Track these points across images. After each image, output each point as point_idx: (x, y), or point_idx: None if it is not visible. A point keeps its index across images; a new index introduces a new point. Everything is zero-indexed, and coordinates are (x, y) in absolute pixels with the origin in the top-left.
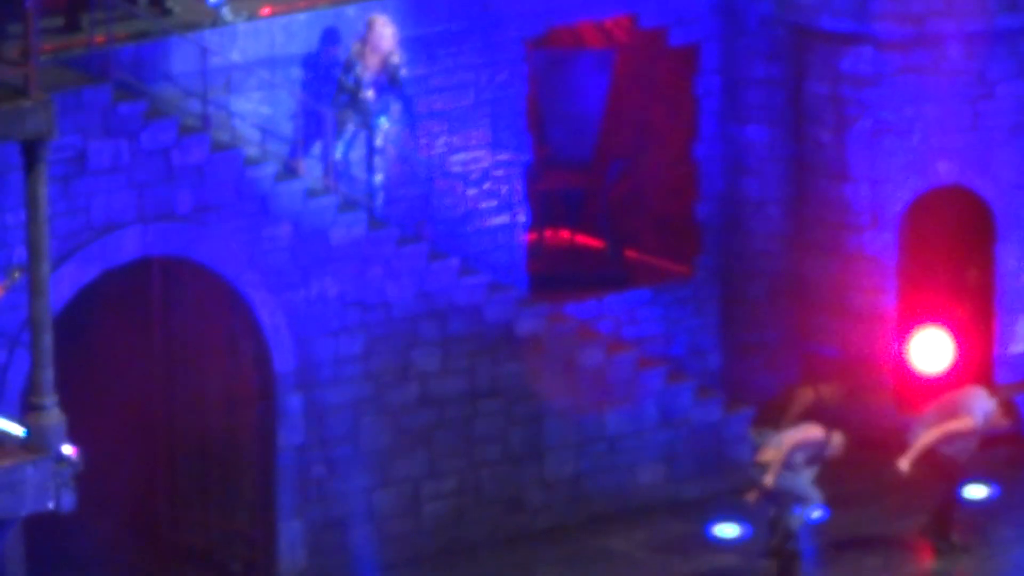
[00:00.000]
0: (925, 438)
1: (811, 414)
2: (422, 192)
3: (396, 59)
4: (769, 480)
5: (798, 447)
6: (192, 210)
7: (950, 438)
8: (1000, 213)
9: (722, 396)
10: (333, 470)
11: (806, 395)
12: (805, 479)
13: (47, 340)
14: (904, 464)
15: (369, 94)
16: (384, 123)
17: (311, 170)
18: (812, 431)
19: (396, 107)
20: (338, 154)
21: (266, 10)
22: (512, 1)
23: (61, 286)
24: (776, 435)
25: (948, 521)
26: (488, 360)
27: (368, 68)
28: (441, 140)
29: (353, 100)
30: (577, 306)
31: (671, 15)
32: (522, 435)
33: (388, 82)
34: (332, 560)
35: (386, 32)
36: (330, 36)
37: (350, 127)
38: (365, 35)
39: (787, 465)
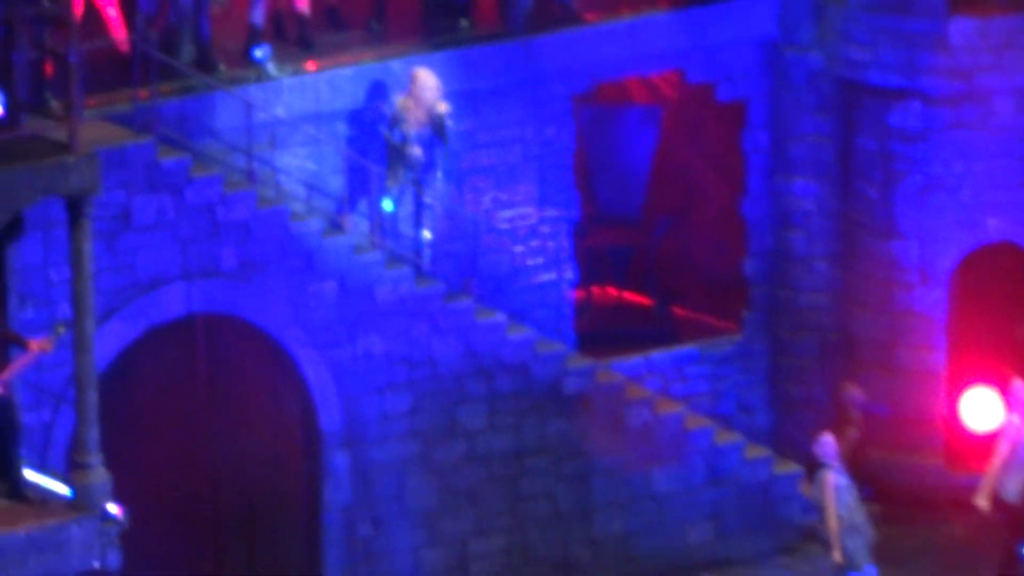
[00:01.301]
0: (993, 465)
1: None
2: (469, 248)
3: (442, 109)
4: (836, 556)
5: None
6: (237, 266)
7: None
8: None
9: (771, 454)
10: (380, 529)
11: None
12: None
13: (92, 397)
14: (981, 501)
15: (416, 150)
16: (432, 179)
17: (357, 226)
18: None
19: (443, 162)
20: (385, 210)
21: (311, 65)
22: (559, 57)
23: (106, 343)
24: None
25: None
26: (535, 418)
27: (414, 122)
28: (488, 196)
29: (400, 155)
30: (624, 363)
31: (719, 71)
32: (570, 493)
33: (434, 133)
34: None
35: (430, 84)
36: (376, 91)
37: (398, 183)
38: (409, 89)
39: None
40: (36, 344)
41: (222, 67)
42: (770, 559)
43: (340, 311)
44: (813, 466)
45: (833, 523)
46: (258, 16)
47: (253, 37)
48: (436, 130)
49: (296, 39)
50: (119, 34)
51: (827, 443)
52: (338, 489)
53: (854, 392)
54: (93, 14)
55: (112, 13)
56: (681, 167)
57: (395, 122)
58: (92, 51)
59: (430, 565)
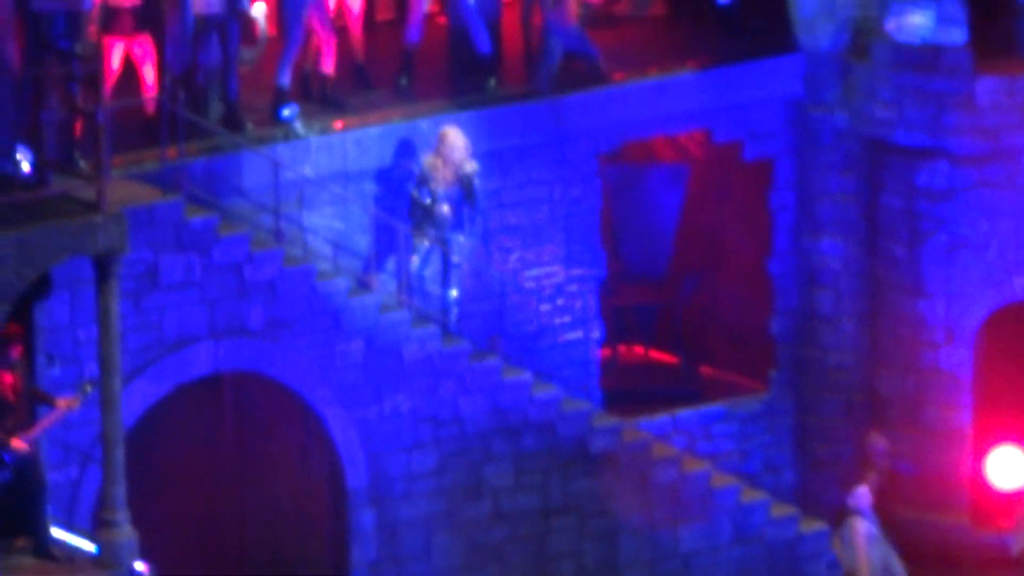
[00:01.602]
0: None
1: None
2: (496, 307)
3: (470, 168)
4: None
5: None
6: (264, 325)
7: None
8: None
9: (797, 512)
10: None
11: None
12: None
13: (119, 455)
14: (1019, 545)
15: (445, 208)
16: (460, 238)
17: (384, 285)
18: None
19: (471, 220)
20: (413, 269)
21: (338, 124)
22: (586, 116)
23: (133, 401)
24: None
25: None
26: (561, 476)
27: (442, 181)
28: (515, 255)
29: (428, 215)
30: (651, 422)
31: (745, 130)
32: (596, 552)
33: (463, 193)
34: None
35: (458, 143)
36: (403, 150)
37: (425, 242)
38: (437, 147)
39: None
40: (64, 402)
41: (250, 126)
42: None
43: (367, 370)
44: (842, 519)
45: (864, 571)
46: (285, 77)
47: (280, 98)
48: (465, 189)
49: (324, 99)
50: (152, 92)
51: (862, 494)
52: (364, 547)
53: (878, 441)
54: (127, 72)
55: (149, 71)
56: (708, 226)
57: (423, 181)
58: (120, 110)
59: None
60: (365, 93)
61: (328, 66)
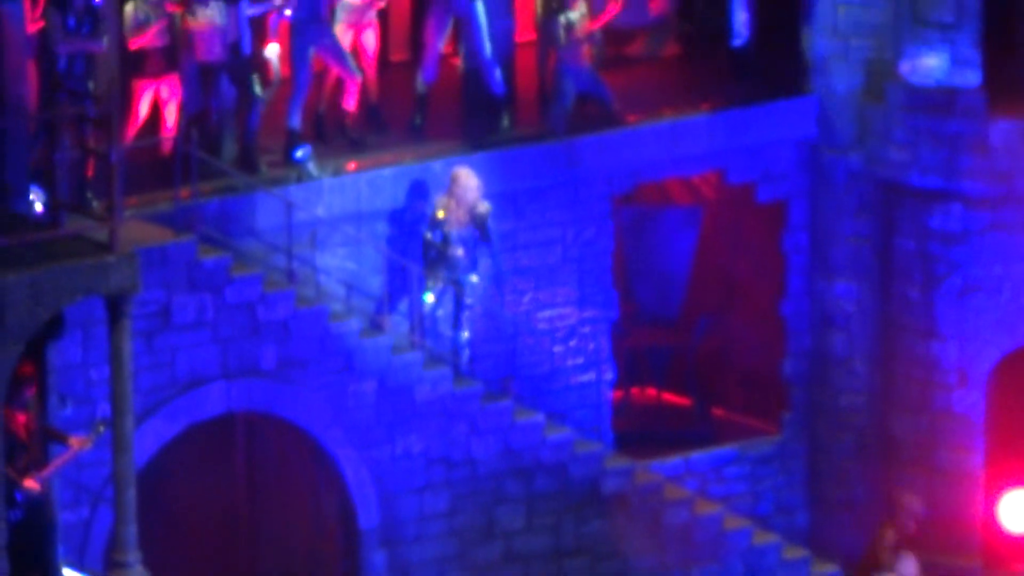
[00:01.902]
0: None
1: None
2: (508, 348)
3: (483, 208)
4: None
5: None
6: (277, 366)
7: None
8: None
9: (809, 555)
10: None
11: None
12: None
13: (130, 496)
14: None
15: (459, 250)
16: (473, 279)
17: (397, 326)
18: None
19: (484, 262)
20: (426, 310)
21: (351, 165)
22: (599, 157)
23: (145, 441)
24: None
25: None
26: (573, 518)
27: (455, 223)
28: (528, 296)
29: (441, 256)
30: (663, 464)
31: (759, 171)
32: None
33: (477, 233)
34: None
35: (471, 184)
36: (416, 191)
37: (439, 283)
38: (450, 188)
39: None
40: (76, 441)
41: (264, 167)
42: None
43: (379, 411)
44: (854, 567)
45: None
46: (296, 119)
47: (293, 139)
48: (479, 229)
49: (344, 137)
50: (172, 132)
51: (909, 563)
52: None
53: (913, 502)
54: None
55: (171, 112)
56: (721, 267)
57: (435, 223)
58: (133, 150)
59: None
60: (379, 134)
61: (350, 104)
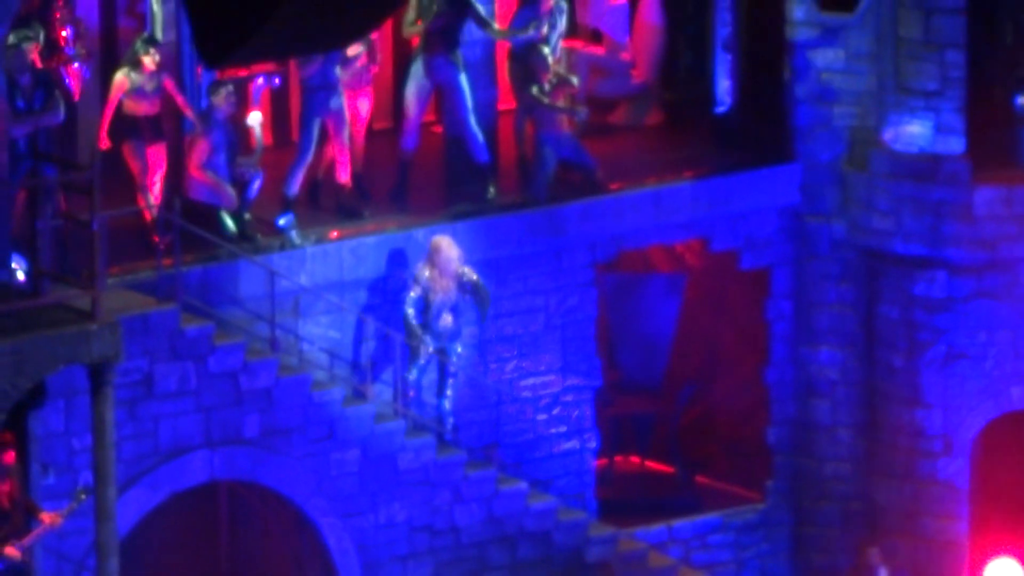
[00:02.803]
0: None
1: None
2: (491, 416)
3: (472, 275)
4: None
5: None
6: (260, 434)
7: None
8: None
9: None
10: None
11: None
12: None
13: (113, 565)
14: None
15: (445, 319)
16: (457, 348)
17: (380, 394)
18: None
19: (468, 330)
20: (411, 378)
21: (334, 233)
22: (582, 225)
23: (127, 510)
24: None
25: None
26: None
27: (439, 291)
28: (511, 364)
29: (427, 326)
30: (647, 532)
31: (742, 239)
32: None
33: (474, 298)
34: None
35: (452, 253)
36: (397, 259)
37: (424, 352)
38: (430, 258)
39: None
40: (47, 517)
41: (259, 238)
42: None
43: (362, 479)
44: None
45: None
46: (294, 186)
47: (287, 207)
48: (473, 294)
49: (340, 209)
50: (158, 200)
51: None
52: None
53: (875, 557)
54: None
55: (157, 181)
56: (704, 335)
57: (419, 291)
58: (115, 218)
59: None
60: (363, 202)
61: (343, 176)
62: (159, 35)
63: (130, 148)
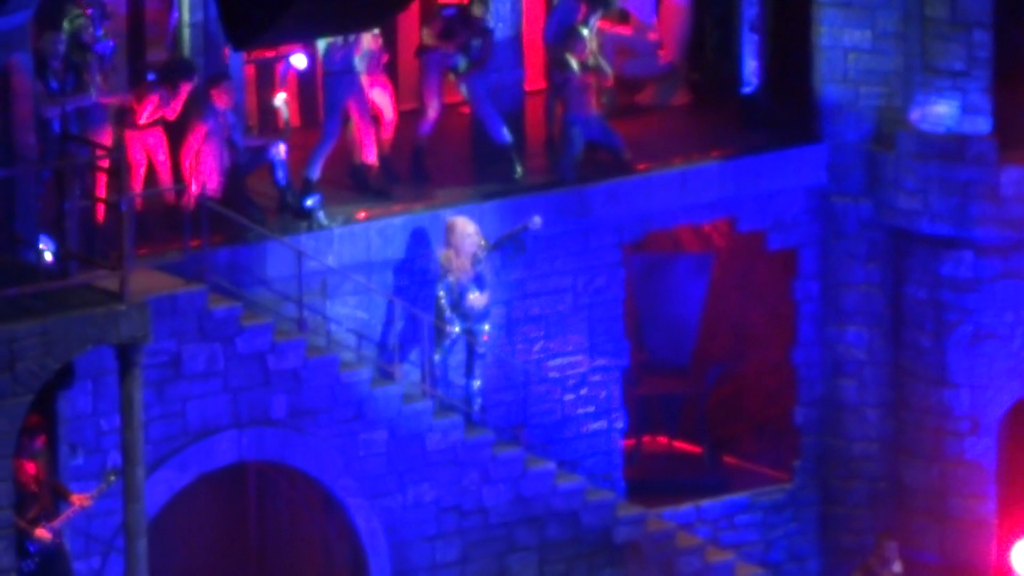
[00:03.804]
0: None
1: None
2: (519, 397)
3: (486, 246)
4: None
5: None
6: (288, 415)
7: None
8: None
9: None
10: None
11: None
12: None
13: (141, 546)
14: None
15: (472, 296)
16: (485, 327)
17: (408, 375)
18: None
19: (496, 310)
20: (437, 358)
21: (362, 214)
22: (610, 205)
23: (156, 491)
24: None
25: None
26: (585, 566)
27: (460, 271)
28: (538, 345)
29: (456, 307)
30: (675, 512)
31: (769, 219)
32: None
33: (512, 248)
34: None
35: (468, 230)
36: (424, 240)
37: (452, 332)
38: (447, 239)
39: None
40: (77, 499)
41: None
42: None
43: (390, 459)
44: None
45: None
46: (315, 170)
47: (307, 189)
48: (512, 244)
49: (368, 189)
50: (167, 183)
51: None
52: None
53: (890, 550)
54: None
55: (162, 163)
56: (732, 315)
57: (443, 273)
58: (145, 200)
59: None
60: (391, 184)
61: (370, 157)
62: (186, 16)
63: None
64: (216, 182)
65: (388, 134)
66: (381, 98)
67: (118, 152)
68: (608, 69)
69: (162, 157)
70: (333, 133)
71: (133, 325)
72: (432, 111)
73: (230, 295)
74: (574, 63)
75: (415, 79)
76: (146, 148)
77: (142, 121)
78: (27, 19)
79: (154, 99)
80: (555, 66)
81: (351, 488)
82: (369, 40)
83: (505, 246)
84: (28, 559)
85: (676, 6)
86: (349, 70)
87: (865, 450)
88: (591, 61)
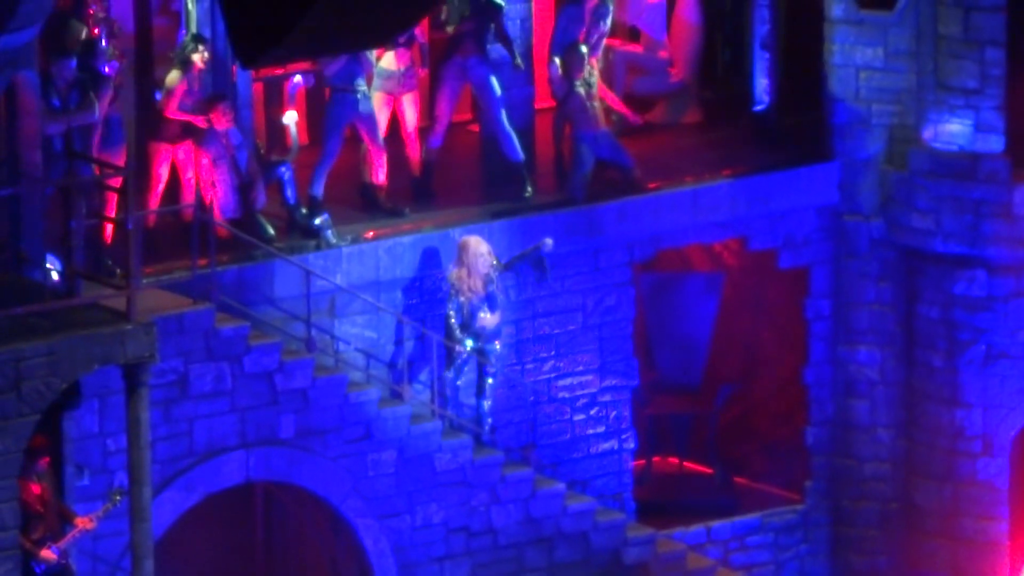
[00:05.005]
0: None
1: None
2: (529, 417)
3: (497, 266)
4: None
5: None
6: (295, 435)
7: None
8: None
9: None
10: None
11: None
12: None
13: (148, 567)
14: None
15: (483, 316)
16: (496, 347)
17: (417, 395)
18: None
19: (506, 330)
20: (448, 376)
21: (370, 233)
22: (620, 224)
23: (163, 511)
24: None
25: None
26: None
27: (472, 291)
28: (548, 364)
29: (466, 327)
30: (685, 533)
31: (780, 238)
32: None
33: (536, 273)
34: None
35: (481, 249)
36: (433, 259)
37: (462, 352)
38: (460, 258)
39: None
40: (81, 521)
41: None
42: None
43: (399, 480)
44: None
45: None
46: (319, 187)
47: (313, 207)
48: (533, 265)
49: (380, 209)
50: (190, 199)
51: None
52: None
53: None
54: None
55: (191, 178)
56: (743, 335)
57: (453, 293)
58: (151, 218)
59: None
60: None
61: (379, 177)
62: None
63: (156, 145)
64: (231, 206)
65: (411, 150)
66: (409, 109)
67: (126, 169)
68: (596, 88)
69: (190, 175)
70: (332, 151)
71: (140, 345)
72: (442, 121)
73: (238, 314)
74: (577, 83)
75: (424, 98)
76: (176, 163)
77: (169, 113)
78: (33, 36)
79: (183, 86)
80: (553, 84)
81: (359, 508)
82: (391, 60)
83: (526, 269)
84: None
85: (687, 24)
86: (353, 89)
87: (877, 470)
88: (590, 79)
